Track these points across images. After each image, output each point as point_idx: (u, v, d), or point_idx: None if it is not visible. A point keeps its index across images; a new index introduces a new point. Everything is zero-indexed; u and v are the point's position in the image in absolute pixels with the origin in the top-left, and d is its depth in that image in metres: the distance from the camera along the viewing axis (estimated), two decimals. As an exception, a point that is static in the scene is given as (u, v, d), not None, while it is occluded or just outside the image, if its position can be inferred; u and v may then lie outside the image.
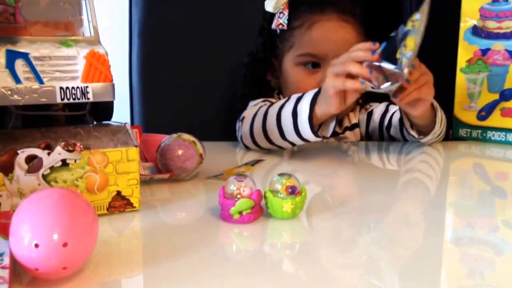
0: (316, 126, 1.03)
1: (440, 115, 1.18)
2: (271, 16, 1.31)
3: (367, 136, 1.40)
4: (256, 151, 1.17)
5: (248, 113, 1.22)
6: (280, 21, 1.28)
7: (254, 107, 1.23)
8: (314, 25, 1.29)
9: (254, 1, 1.37)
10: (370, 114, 1.38)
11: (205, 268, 0.54)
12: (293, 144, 1.10)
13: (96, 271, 0.52)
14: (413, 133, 1.17)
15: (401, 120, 1.20)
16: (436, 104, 1.16)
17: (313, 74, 1.28)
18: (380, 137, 1.35)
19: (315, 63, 1.29)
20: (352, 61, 0.97)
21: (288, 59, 1.33)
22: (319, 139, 1.05)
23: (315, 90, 1.05)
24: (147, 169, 0.89)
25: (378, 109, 1.37)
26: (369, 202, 0.82)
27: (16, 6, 0.66)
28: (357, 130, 1.41)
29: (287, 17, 1.28)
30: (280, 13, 1.28)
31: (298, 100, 1.06)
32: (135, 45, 1.52)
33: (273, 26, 1.29)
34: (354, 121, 1.41)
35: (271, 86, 1.41)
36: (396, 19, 1.57)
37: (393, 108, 1.31)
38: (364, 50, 0.98)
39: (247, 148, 1.20)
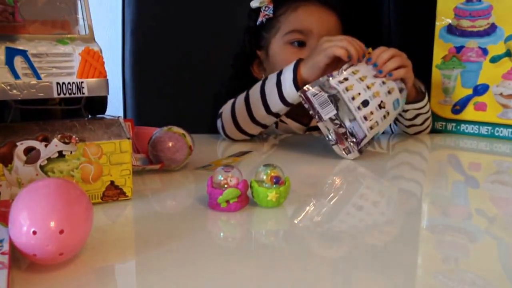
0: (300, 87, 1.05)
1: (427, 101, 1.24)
2: (256, 13, 1.36)
3: None
4: (241, 143, 1.17)
5: (225, 106, 1.24)
6: (266, 13, 1.33)
7: (230, 101, 1.24)
8: (298, 7, 1.33)
9: (242, 1, 1.38)
10: None
11: (194, 254, 0.54)
12: (277, 116, 1.12)
13: (91, 257, 0.53)
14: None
15: None
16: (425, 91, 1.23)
17: (300, 51, 1.30)
18: None
19: (301, 42, 1.31)
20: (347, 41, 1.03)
21: (275, 41, 1.35)
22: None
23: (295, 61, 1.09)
24: (139, 160, 0.89)
25: None
26: (351, 191, 0.82)
27: (15, 5, 0.66)
28: None
29: (272, 9, 1.33)
30: (265, 7, 1.32)
31: (280, 73, 1.10)
32: (128, 43, 1.51)
33: (260, 18, 1.34)
34: None
35: (254, 81, 1.42)
36: (374, 20, 1.59)
37: None
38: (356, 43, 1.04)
39: (229, 138, 1.21)
